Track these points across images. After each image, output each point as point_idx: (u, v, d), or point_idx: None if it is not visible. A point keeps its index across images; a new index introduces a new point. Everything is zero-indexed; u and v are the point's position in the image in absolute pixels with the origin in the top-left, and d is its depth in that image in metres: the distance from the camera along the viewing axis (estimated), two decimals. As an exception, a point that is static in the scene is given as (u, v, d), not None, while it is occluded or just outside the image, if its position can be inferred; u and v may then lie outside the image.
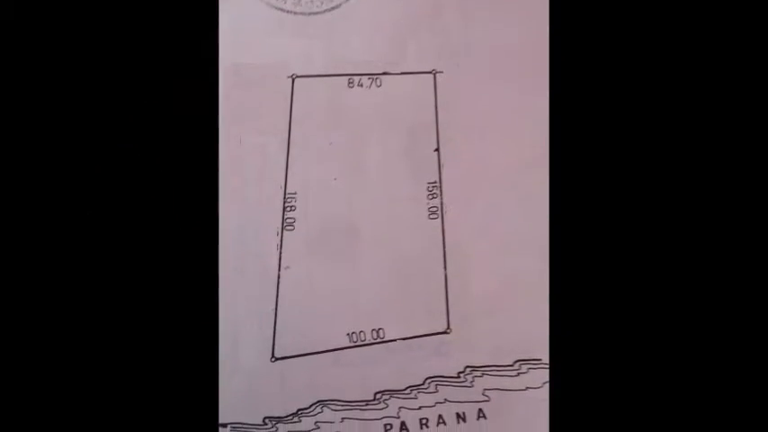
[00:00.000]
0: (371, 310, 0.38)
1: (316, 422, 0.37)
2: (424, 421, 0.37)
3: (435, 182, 0.40)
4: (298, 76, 0.41)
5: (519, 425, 0.37)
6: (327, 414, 0.37)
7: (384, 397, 0.37)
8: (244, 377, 0.37)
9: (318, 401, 0.37)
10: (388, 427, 0.37)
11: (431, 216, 0.40)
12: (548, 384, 0.37)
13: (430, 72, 0.41)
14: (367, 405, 0.37)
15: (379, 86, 0.41)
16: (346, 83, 0.41)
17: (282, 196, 0.39)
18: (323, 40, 0.41)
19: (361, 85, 0.41)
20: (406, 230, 0.39)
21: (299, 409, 0.37)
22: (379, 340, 0.38)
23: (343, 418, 0.37)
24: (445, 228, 0.39)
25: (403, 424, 0.37)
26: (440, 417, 0.37)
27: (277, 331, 0.37)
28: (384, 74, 0.41)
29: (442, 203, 0.40)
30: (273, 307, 0.38)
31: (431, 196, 0.40)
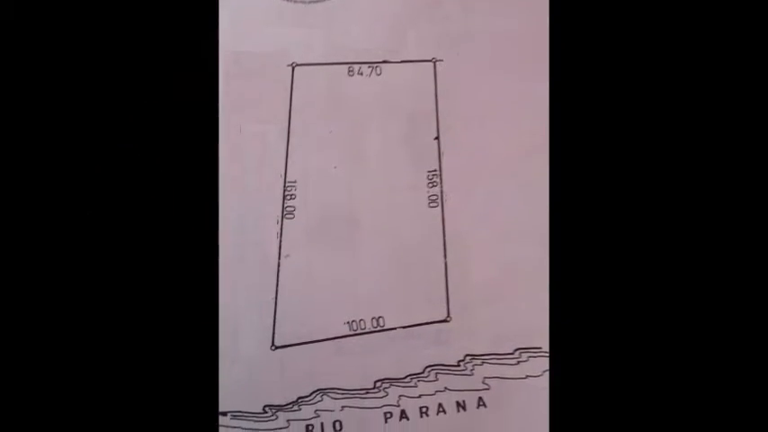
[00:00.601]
0: (371, 299, 0.38)
1: (316, 410, 0.37)
2: (423, 410, 0.37)
3: (435, 170, 0.40)
4: (298, 65, 0.40)
5: (519, 413, 0.37)
6: (327, 402, 0.37)
7: (384, 385, 0.37)
8: (244, 366, 0.37)
9: (318, 390, 0.37)
10: (388, 415, 0.37)
11: (431, 204, 0.40)
12: (548, 373, 0.37)
13: (430, 60, 0.41)
14: (367, 393, 0.37)
15: (378, 75, 0.41)
16: (346, 71, 0.41)
17: (282, 185, 0.39)
18: (323, 28, 0.41)
19: (361, 74, 0.41)
20: (406, 219, 0.39)
21: (299, 398, 0.37)
22: (379, 329, 0.38)
23: (343, 407, 0.37)
24: (445, 216, 0.39)
25: (403, 412, 0.37)
26: (440, 405, 0.37)
27: (277, 320, 0.37)
28: (384, 62, 0.41)
29: (442, 192, 0.40)
30: (273, 295, 0.38)
31: (431, 185, 0.40)
